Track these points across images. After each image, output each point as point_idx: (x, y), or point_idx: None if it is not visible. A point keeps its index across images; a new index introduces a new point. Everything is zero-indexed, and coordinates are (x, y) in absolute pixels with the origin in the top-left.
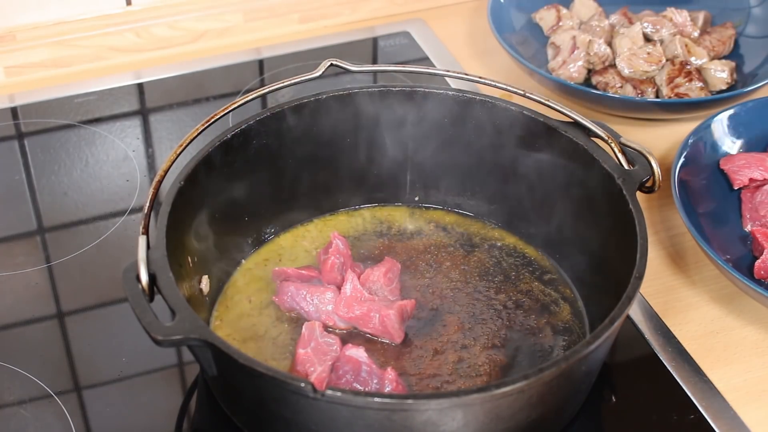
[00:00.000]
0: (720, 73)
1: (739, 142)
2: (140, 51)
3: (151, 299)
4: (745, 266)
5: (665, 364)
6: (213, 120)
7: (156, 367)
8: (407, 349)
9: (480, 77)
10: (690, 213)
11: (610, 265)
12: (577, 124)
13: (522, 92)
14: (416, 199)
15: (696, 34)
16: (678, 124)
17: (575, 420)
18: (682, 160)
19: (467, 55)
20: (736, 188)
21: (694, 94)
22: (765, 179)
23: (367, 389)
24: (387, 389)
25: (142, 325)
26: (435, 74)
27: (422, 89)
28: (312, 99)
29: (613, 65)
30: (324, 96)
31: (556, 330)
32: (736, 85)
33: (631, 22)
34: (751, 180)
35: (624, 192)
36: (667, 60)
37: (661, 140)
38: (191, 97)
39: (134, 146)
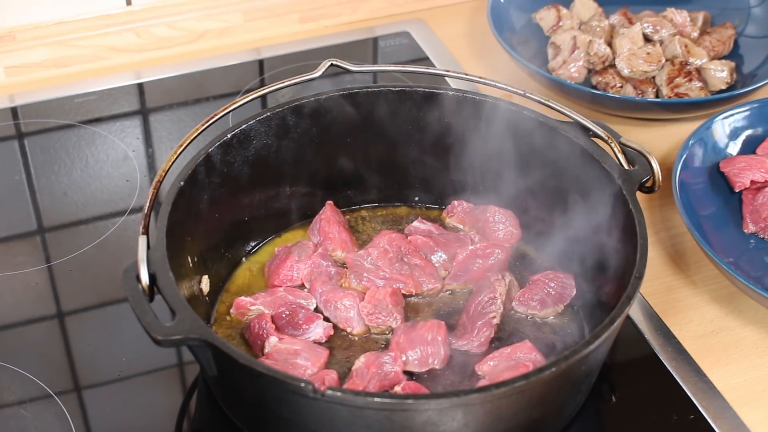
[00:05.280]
0: (720, 73)
1: (739, 144)
2: (140, 51)
3: (151, 299)
4: (745, 267)
5: (665, 364)
6: (213, 120)
7: (156, 367)
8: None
9: (480, 77)
10: (691, 214)
11: (610, 265)
12: (577, 124)
13: (522, 92)
14: (416, 198)
15: (695, 34)
16: (678, 124)
17: (575, 420)
18: (682, 162)
19: (467, 55)
20: (737, 191)
21: (694, 94)
22: (766, 181)
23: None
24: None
25: (142, 325)
26: (435, 74)
27: (422, 89)
28: (312, 99)
29: (613, 65)
30: (324, 96)
31: (556, 330)
32: (736, 85)
33: (631, 23)
34: (752, 182)
35: (624, 192)
36: (666, 60)
37: (661, 140)
38: (191, 97)
39: (134, 146)
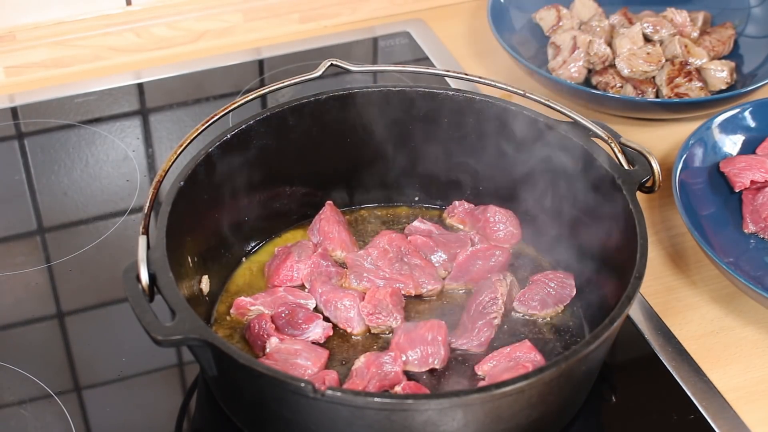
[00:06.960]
0: (719, 73)
1: (739, 144)
2: (140, 51)
3: (151, 299)
4: (745, 267)
5: (665, 364)
6: (213, 120)
7: (156, 367)
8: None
9: (480, 77)
10: (691, 214)
11: (610, 265)
12: (577, 124)
13: (522, 92)
14: (416, 198)
15: (695, 34)
16: (678, 124)
17: (575, 420)
18: (682, 162)
19: (467, 55)
20: (737, 191)
21: (694, 94)
22: (766, 181)
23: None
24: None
25: (142, 325)
26: (435, 74)
27: (422, 89)
28: (312, 99)
29: (613, 65)
30: (324, 96)
31: (556, 330)
32: (736, 85)
33: (631, 23)
34: (752, 182)
35: (624, 192)
36: (666, 60)
37: (661, 140)
38: (191, 97)
39: (134, 146)
